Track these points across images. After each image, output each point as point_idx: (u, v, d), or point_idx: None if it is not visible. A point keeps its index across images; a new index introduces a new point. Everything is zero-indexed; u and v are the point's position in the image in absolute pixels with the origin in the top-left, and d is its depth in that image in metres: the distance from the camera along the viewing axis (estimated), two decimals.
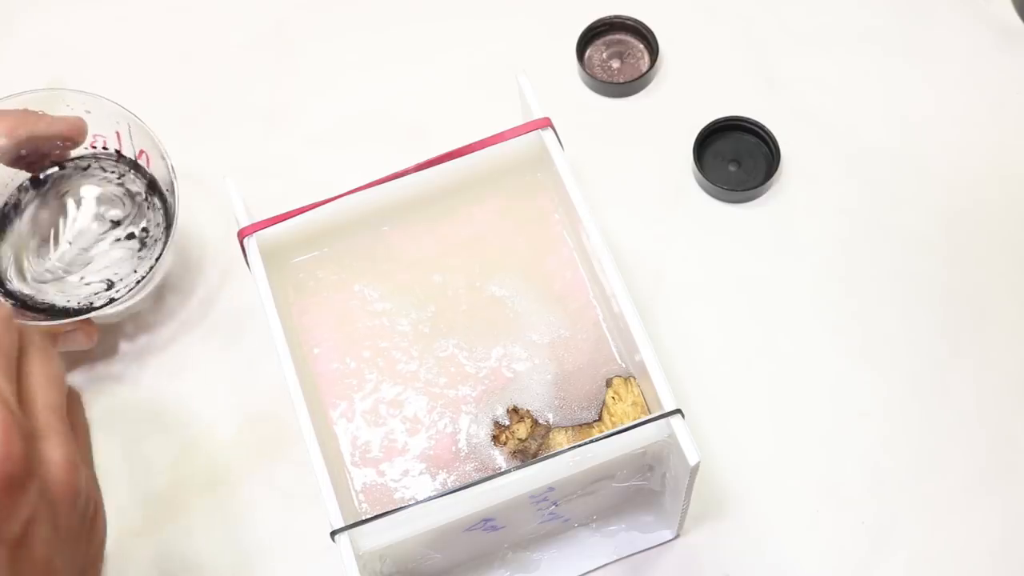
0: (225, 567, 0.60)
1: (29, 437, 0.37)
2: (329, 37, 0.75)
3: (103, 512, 0.43)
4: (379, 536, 0.47)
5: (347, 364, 0.53)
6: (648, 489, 0.54)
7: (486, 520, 0.49)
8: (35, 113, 0.62)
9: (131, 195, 0.65)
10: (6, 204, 0.65)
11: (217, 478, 0.62)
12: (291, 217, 0.53)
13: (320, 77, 0.74)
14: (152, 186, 0.65)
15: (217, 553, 0.61)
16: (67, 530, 0.39)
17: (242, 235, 0.53)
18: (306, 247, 0.56)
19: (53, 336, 0.62)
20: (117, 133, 0.64)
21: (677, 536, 0.59)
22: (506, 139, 0.54)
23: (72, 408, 0.43)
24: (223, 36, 0.76)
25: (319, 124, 0.72)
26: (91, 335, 0.63)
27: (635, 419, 0.49)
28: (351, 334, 0.54)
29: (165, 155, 0.62)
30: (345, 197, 0.53)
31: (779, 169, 0.68)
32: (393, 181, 0.53)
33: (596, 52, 0.73)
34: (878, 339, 0.63)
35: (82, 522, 0.40)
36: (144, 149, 0.64)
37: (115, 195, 0.65)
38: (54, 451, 0.38)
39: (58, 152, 0.65)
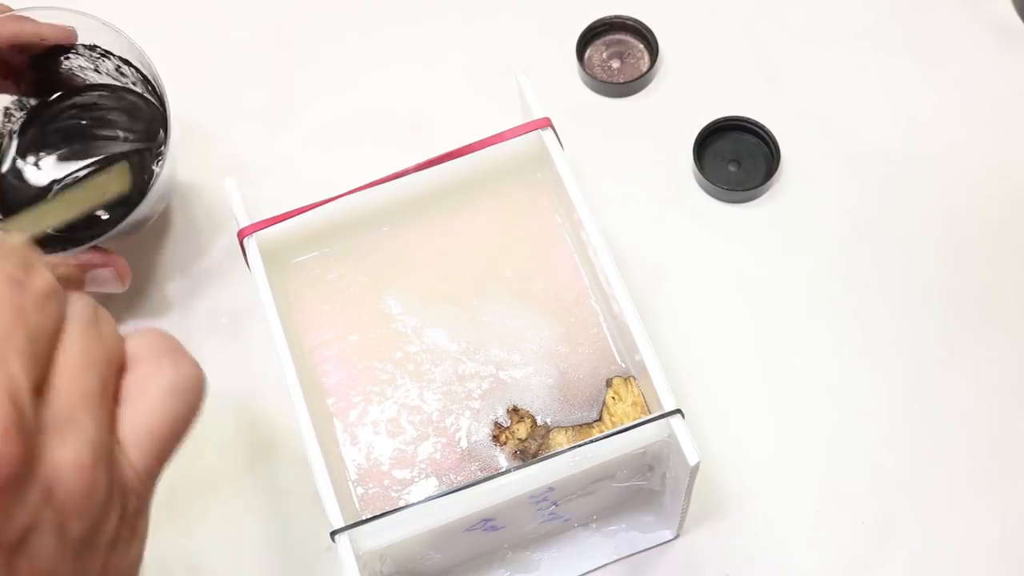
0: (225, 567, 0.60)
1: (32, 434, 0.32)
2: (329, 37, 0.75)
3: (146, 519, 0.37)
4: (379, 536, 0.47)
5: (346, 365, 0.53)
6: (648, 489, 0.54)
7: (486, 520, 0.49)
8: (19, 15, 0.60)
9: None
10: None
11: (217, 478, 0.62)
12: (291, 217, 0.53)
13: (320, 77, 0.74)
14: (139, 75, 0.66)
15: (217, 553, 0.61)
16: (80, 540, 0.34)
17: (242, 235, 0.53)
18: (306, 247, 0.56)
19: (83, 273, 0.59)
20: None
21: (677, 536, 0.59)
22: (506, 139, 0.54)
23: (145, 383, 0.36)
24: (223, 36, 0.76)
25: (319, 124, 0.72)
26: (124, 276, 0.60)
27: (635, 419, 0.49)
28: (351, 334, 0.54)
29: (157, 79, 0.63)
30: (345, 197, 0.53)
31: (779, 169, 0.68)
32: (393, 181, 0.54)
33: (596, 52, 0.73)
34: (878, 339, 0.63)
35: (103, 531, 0.34)
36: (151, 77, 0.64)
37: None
38: (67, 449, 0.32)
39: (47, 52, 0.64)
